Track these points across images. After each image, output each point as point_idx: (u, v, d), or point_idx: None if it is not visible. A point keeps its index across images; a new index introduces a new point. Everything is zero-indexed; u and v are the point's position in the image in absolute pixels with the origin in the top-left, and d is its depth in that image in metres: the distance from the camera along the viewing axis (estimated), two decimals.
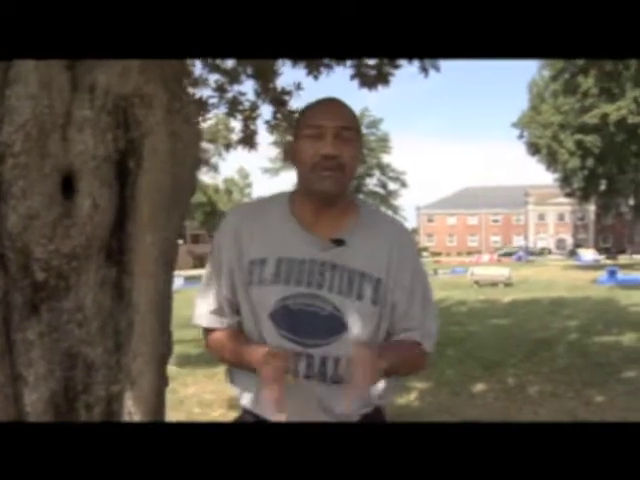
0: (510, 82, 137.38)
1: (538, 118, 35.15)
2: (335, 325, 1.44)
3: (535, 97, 37.38)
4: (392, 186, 72.69)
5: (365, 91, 5.89)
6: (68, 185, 1.51)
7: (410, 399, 5.93)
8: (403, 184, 72.56)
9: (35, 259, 1.45)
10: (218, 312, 1.50)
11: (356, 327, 1.45)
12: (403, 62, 5.62)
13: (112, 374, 1.56)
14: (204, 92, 6.70)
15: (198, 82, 6.72)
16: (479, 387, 6.36)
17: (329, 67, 6.30)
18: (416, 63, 5.70)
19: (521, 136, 38.66)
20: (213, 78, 6.66)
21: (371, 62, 5.71)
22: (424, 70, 5.80)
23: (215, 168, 48.45)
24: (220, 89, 6.69)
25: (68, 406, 1.50)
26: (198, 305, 1.54)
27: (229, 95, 6.76)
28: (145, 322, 1.59)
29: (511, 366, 7.32)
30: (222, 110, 6.99)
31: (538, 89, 37.23)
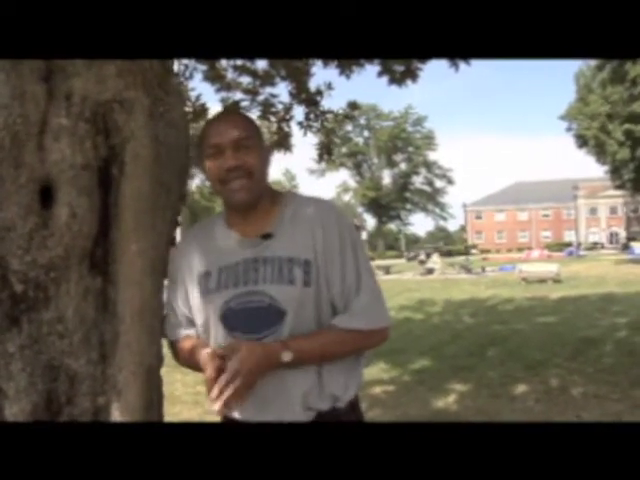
0: (557, 73, 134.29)
1: (585, 109, 34.22)
2: (275, 314, 1.51)
3: (582, 88, 36.42)
4: (439, 183, 72.09)
5: (409, 88, 5.85)
6: (47, 195, 1.48)
7: (448, 402, 5.81)
8: (450, 181, 71.89)
9: (13, 271, 1.44)
10: (177, 325, 1.65)
11: (293, 311, 1.50)
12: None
13: (98, 385, 1.53)
14: (236, 95, 6.75)
15: (231, 86, 6.76)
16: (520, 389, 6.18)
17: (361, 65, 6.24)
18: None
19: (569, 129, 37.72)
20: (244, 81, 6.70)
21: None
22: (454, 65, 5.67)
23: None
24: (251, 92, 6.71)
25: (51, 419, 1.48)
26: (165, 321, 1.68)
27: (261, 98, 6.77)
28: (131, 332, 1.55)
29: (555, 366, 7.10)
30: (255, 113, 7.03)
31: (585, 79, 36.26)
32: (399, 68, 5.67)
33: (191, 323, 1.64)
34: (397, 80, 5.74)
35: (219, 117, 1.62)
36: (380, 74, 5.75)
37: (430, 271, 27.97)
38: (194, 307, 1.61)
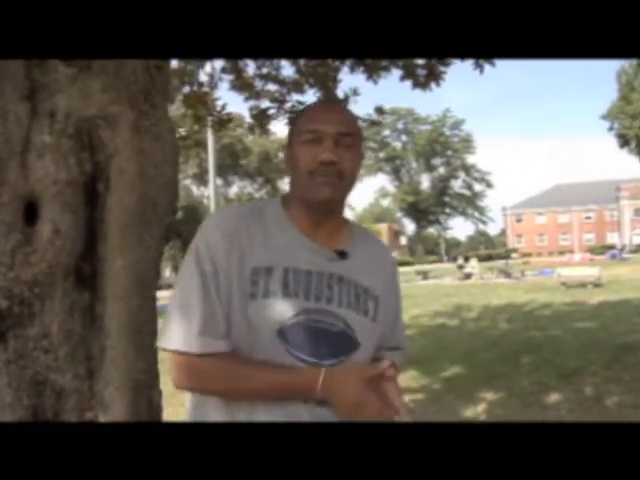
0: (598, 72, 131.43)
1: (627, 108, 33.46)
2: (346, 342, 1.32)
3: (624, 86, 35.60)
4: (478, 187, 71.30)
5: (446, 91, 5.83)
6: (32, 211, 1.50)
7: (477, 411, 5.70)
8: (489, 184, 71.04)
9: None
10: (211, 333, 1.25)
11: (365, 344, 1.35)
12: (454, 59, 5.45)
13: (85, 401, 1.54)
14: (264, 103, 6.79)
15: (259, 94, 6.80)
16: (553, 398, 6.03)
17: (387, 70, 6.21)
18: (469, 59, 5.52)
19: (611, 128, 36.92)
20: (271, 88, 6.72)
21: (420, 61, 5.57)
22: (479, 66, 5.60)
23: None
24: (278, 100, 6.73)
25: None
26: (177, 327, 1.25)
27: (287, 105, 6.80)
28: (117, 347, 1.55)
29: (590, 374, 6.90)
30: (282, 120, 7.06)
31: (627, 77, 35.44)
32: (422, 72, 5.61)
33: (229, 329, 1.27)
34: (421, 84, 5.69)
35: (326, 104, 1.46)
36: (402, 78, 5.70)
37: (468, 276, 27.66)
38: (235, 307, 1.27)
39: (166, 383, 1.61)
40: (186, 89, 6.00)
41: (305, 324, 1.29)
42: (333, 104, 1.41)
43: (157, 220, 1.66)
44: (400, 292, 1.54)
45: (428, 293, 17.59)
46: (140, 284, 1.61)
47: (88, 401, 1.53)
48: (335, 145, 1.31)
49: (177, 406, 2.96)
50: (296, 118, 1.40)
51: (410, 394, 6.36)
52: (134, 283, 1.59)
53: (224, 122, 6.59)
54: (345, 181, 1.34)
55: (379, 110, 7.08)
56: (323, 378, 1.25)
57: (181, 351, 1.26)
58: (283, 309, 1.28)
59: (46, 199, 1.48)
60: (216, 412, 1.36)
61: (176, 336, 1.26)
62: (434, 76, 5.60)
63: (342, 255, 1.36)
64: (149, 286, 1.65)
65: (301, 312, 1.29)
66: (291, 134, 1.39)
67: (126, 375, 1.56)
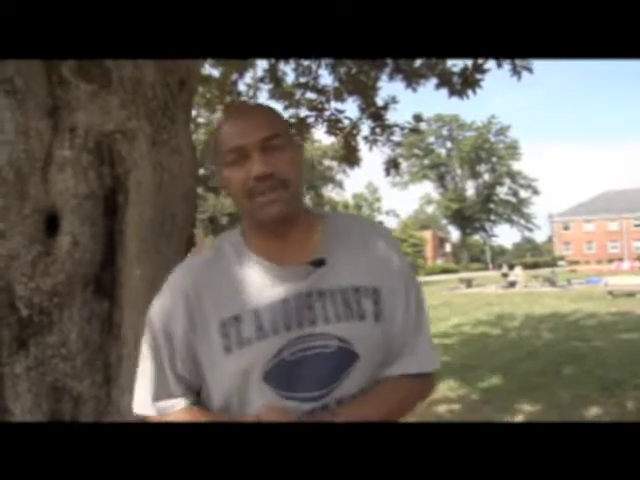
0: None
1: None
2: (344, 359, 1.21)
3: None
4: (523, 194, 70.29)
5: (491, 97, 5.80)
6: (53, 224, 1.55)
7: None
8: (535, 191, 69.97)
9: (18, 297, 1.51)
10: (167, 395, 1.25)
11: (366, 353, 1.22)
12: (491, 66, 5.40)
13: (102, 407, 1.58)
14: (303, 112, 6.84)
15: (300, 103, 6.87)
16: (593, 411, 5.89)
17: (425, 77, 6.19)
18: (507, 66, 5.46)
19: None
20: (311, 97, 6.78)
21: (455, 69, 5.54)
22: (516, 73, 5.54)
23: (340, 185, 49.01)
24: (317, 108, 6.78)
25: None
26: (138, 392, 1.28)
27: (326, 113, 6.83)
28: (134, 356, 1.59)
29: (633, 387, 6.72)
30: (321, 129, 7.11)
31: None
32: (458, 80, 5.57)
33: (189, 390, 1.26)
34: (457, 92, 5.65)
35: (237, 112, 1.26)
36: (438, 86, 5.67)
37: (512, 284, 27.21)
38: (209, 369, 1.22)
39: None
40: (227, 99, 6.11)
41: (290, 359, 1.20)
42: (244, 109, 1.31)
43: (176, 231, 1.70)
44: (410, 276, 1.32)
45: (470, 302, 17.39)
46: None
47: (105, 408, 1.58)
48: (264, 154, 1.16)
49: None
50: (215, 140, 1.24)
51: (447, 404, 6.30)
52: (152, 293, 1.62)
53: None
54: (290, 189, 1.19)
55: (417, 118, 7.08)
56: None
57: (141, 415, 1.27)
58: (261, 353, 1.19)
59: (66, 212, 1.53)
60: None
61: (138, 401, 1.28)
62: (470, 84, 5.56)
63: (319, 264, 1.22)
64: None
65: (284, 348, 1.19)
66: (215, 158, 1.25)
67: None
